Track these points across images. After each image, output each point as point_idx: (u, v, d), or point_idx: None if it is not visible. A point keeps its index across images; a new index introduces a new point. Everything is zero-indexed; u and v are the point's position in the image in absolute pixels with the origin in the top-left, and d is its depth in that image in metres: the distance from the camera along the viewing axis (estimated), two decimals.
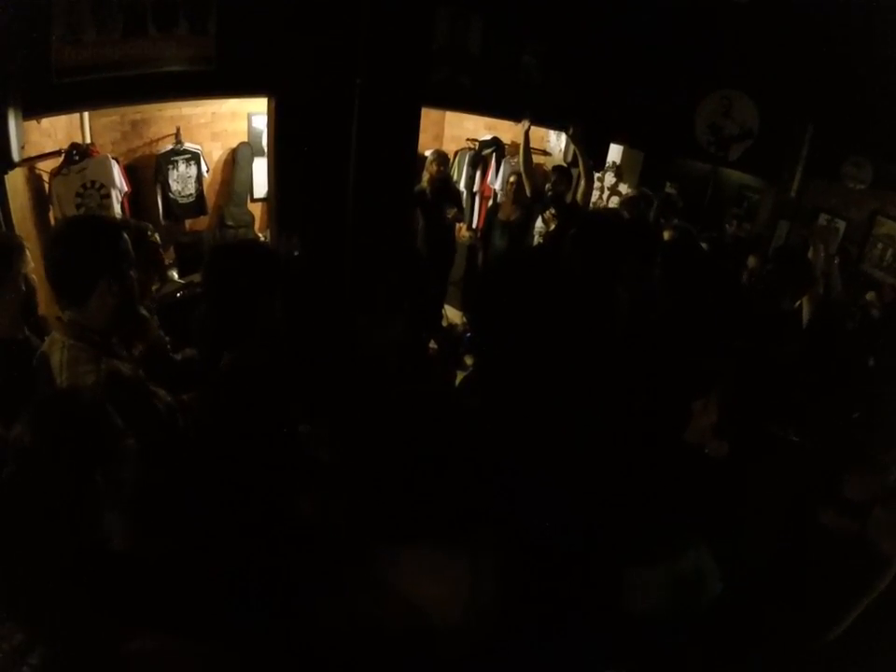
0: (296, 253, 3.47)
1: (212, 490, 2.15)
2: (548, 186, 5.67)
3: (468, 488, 1.52)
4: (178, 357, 2.98)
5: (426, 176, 5.98)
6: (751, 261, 4.13)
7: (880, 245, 5.31)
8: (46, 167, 5.10)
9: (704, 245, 4.54)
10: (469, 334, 2.86)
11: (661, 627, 2.12)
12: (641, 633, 2.10)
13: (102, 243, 2.30)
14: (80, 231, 2.37)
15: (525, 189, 6.02)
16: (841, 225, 5.47)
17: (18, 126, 3.50)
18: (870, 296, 4.24)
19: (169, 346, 3.00)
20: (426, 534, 1.48)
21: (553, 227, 5.28)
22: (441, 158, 6.06)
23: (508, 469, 1.93)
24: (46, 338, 2.44)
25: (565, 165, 6.15)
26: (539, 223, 5.56)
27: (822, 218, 5.58)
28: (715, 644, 2.11)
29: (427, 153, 6.42)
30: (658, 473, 2.17)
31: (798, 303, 3.77)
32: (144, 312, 2.95)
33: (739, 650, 2.10)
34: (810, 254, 4.11)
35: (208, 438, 2.35)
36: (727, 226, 6.05)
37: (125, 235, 2.38)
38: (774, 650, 2.11)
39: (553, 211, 5.36)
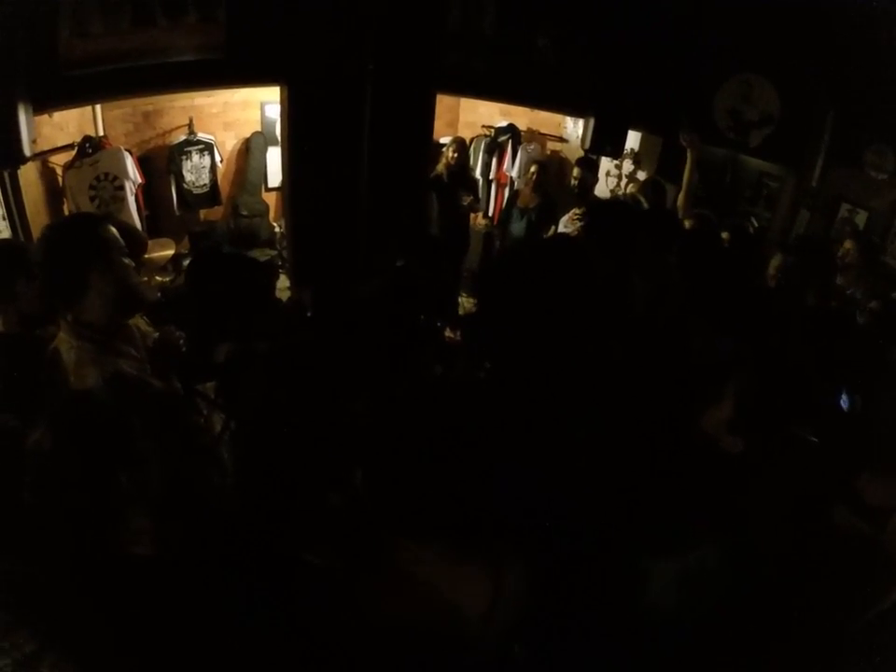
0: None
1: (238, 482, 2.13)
2: (573, 180, 5.51)
3: (482, 483, 1.50)
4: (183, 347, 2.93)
5: (442, 163, 5.91)
6: (776, 260, 3.97)
7: None
8: (59, 160, 5.11)
9: (724, 234, 4.45)
10: (470, 322, 2.82)
11: (666, 624, 2.09)
12: (649, 630, 2.07)
13: (82, 239, 2.27)
14: (60, 234, 2.35)
15: (545, 179, 5.92)
16: (863, 215, 5.33)
17: (28, 121, 3.50)
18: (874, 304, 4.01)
19: (183, 340, 2.96)
20: (446, 533, 1.45)
21: (577, 228, 5.05)
22: (459, 144, 5.99)
23: (520, 465, 1.90)
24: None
25: (592, 158, 5.96)
26: (562, 227, 5.35)
27: (844, 208, 5.44)
28: (722, 642, 2.08)
29: (442, 140, 6.35)
30: (670, 466, 2.13)
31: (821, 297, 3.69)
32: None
33: (747, 648, 2.07)
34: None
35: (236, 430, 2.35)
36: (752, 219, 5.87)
37: (106, 224, 2.35)
38: (781, 650, 2.07)
39: (577, 211, 5.16)
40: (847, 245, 4.53)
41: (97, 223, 2.34)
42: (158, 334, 2.75)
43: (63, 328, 2.30)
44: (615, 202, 5.38)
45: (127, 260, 2.35)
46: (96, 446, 1.61)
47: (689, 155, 4.60)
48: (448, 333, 4.06)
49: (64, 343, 2.26)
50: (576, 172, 5.52)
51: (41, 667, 1.40)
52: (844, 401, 2.98)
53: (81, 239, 2.26)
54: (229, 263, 2.88)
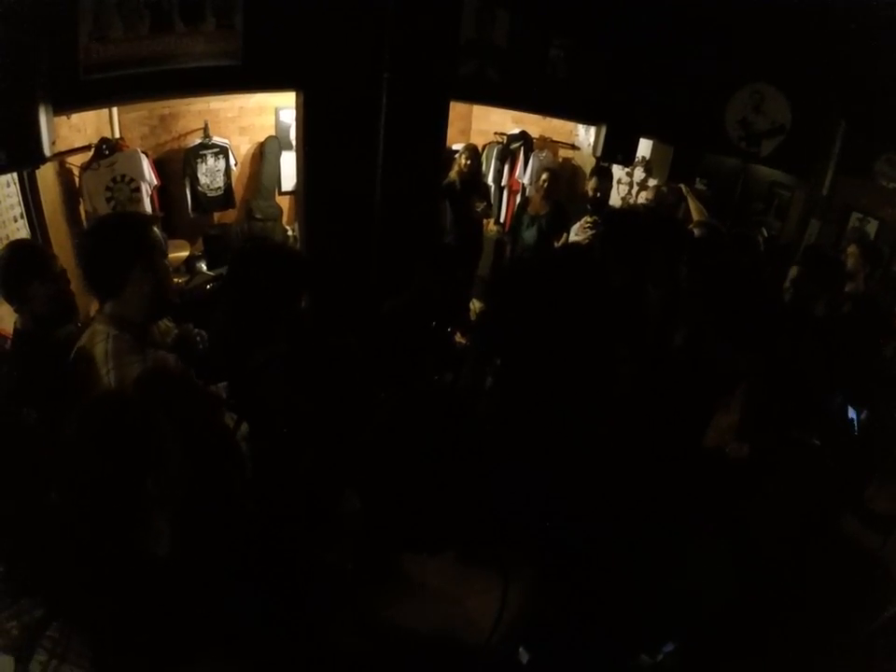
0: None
1: (258, 485, 2.15)
2: (591, 190, 5.56)
3: (487, 493, 1.51)
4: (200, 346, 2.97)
5: (455, 169, 5.95)
6: (792, 272, 3.96)
7: None
8: (76, 161, 5.17)
9: (733, 243, 4.46)
10: (482, 327, 2.84)
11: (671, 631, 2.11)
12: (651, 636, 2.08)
13: (132, 234, 2.39)
14: (110, 226, 2.49)
15: (556, 187, 5.95)
16: (873, 224, 5.31)
17: (48, 121, 3.53)
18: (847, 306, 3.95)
19: (200, 338, 3.00)
20: (451, 544, 1.46)
21: (588, 237, 5.10)
22: (471, 151, 6.05)
23: (527, 467, 1.92)
24: (84, 332, 2.49)
25: (607, 167, 6.02)
26: (573, 235, 5.41)
27: (854, 218, 5.43)
28: (722, 645, 2.09)
29: (455, 147, 6.38)
30: (678, 473, 2.14)
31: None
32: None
33: (744, 651, 2.08)
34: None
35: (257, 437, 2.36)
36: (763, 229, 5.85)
37: (153, 226, 2.51)
38: (779, 653, 2.08)
39: (589, 220, 5.20)
40: (851, 249, 4.53)
41: (147, 224, 2.50)
42: (177, 331, 2.81)
43: (98, 319, 2.41)
44: (630, 211, 5.41)
45: (166, 262, 2.54)
46: (130, 445, 1.61)
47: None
48: (458, 338, 4.09)
49: (99, 335, 2.35)
50: (594, 182, 5.57)
51: (46, 632, 1.43)
52: (851, 412, 2.99)
53: (132, 235, 2.39)
54: (275, 254, 2.91)
